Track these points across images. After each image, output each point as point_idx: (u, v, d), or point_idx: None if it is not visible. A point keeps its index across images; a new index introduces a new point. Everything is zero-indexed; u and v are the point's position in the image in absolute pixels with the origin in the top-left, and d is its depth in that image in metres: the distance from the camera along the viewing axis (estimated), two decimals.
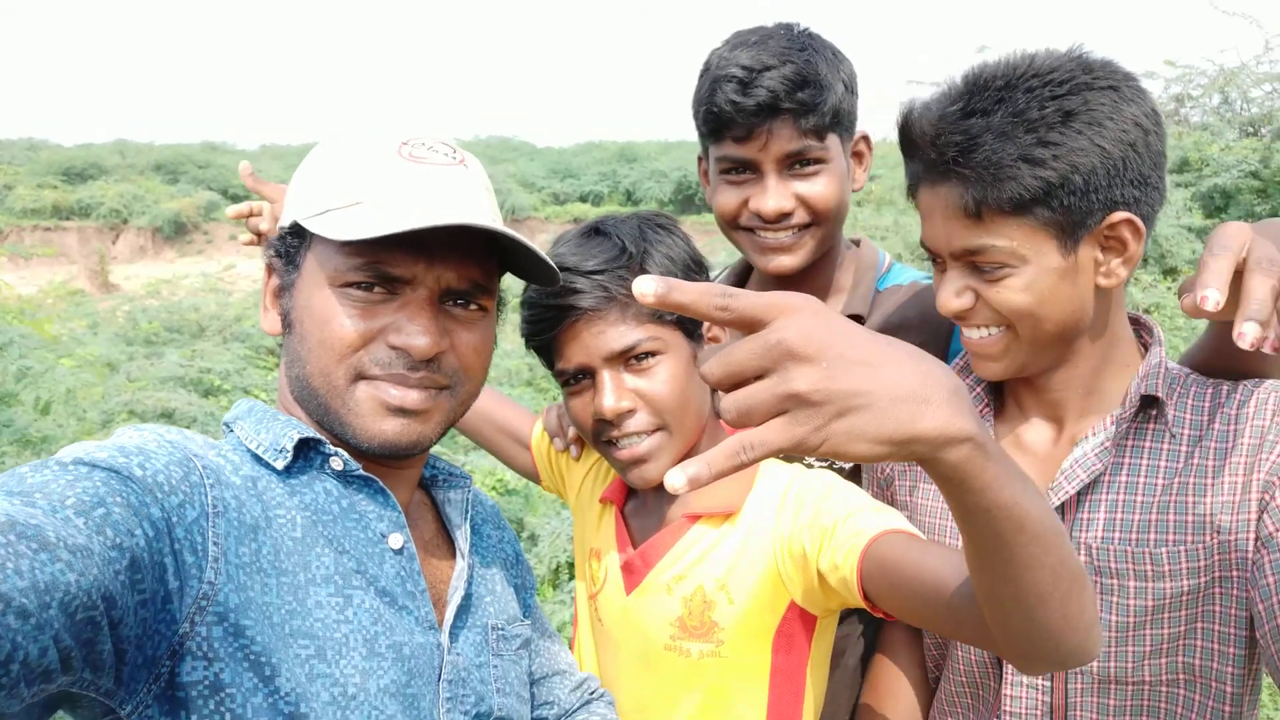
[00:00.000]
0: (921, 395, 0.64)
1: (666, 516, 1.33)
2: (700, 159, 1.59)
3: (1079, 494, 1.19)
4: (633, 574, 1.32)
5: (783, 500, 1.23)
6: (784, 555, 1.19)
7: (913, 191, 1.20)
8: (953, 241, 1.15)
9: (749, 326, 0.65)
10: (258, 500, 0.89)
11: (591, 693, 1.30)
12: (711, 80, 1.44)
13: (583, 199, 36.50)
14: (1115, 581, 1.15)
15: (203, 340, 10.44)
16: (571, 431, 1.53)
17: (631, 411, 1.22)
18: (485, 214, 0.97)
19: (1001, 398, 1.32)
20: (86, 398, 5.65)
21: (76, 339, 11.08)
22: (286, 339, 1.00)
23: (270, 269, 1.02)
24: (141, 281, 26.25)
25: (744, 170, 1.47)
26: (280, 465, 0.94)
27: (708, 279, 1.35)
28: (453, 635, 1.02)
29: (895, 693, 1.37)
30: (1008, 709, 1.23)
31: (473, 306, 1.00)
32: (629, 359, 1.22)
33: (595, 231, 1.27)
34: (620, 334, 1.20)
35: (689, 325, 1.26)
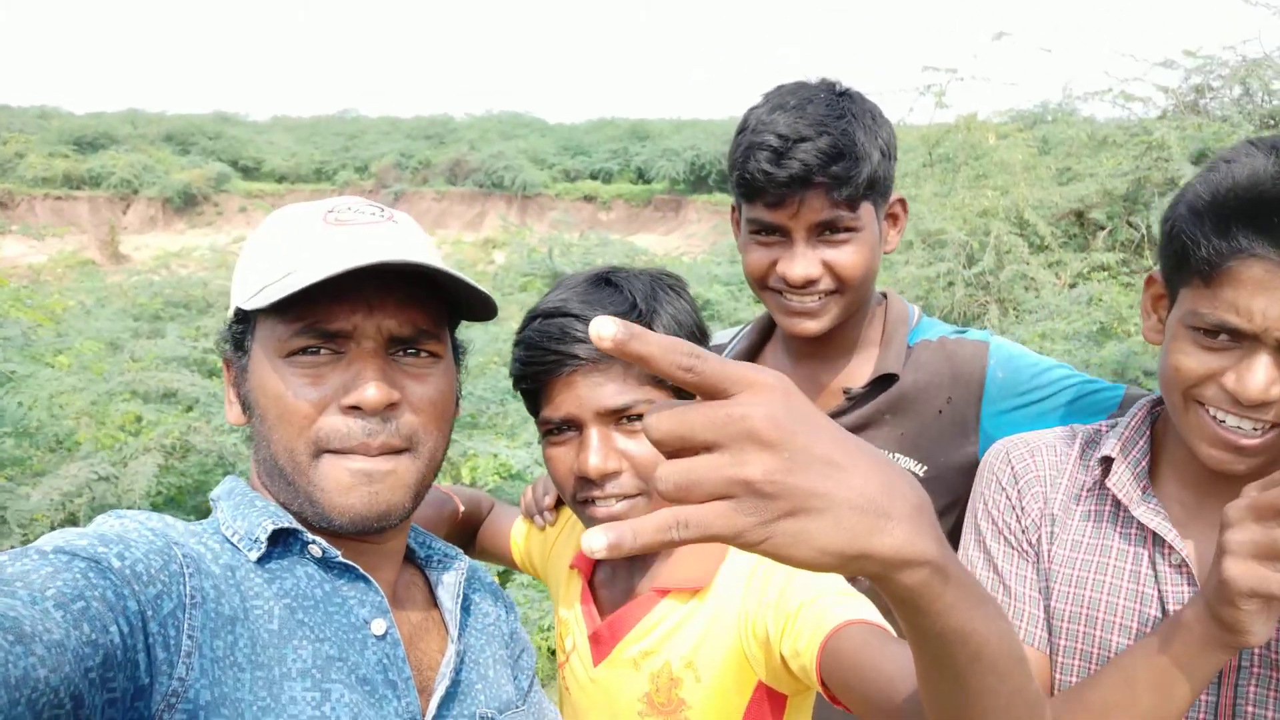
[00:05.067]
0: (883, 508, 0.57)
1: (635, 589, 1.28)
2: (733, 208, 1.58)
3: None
4: (600, 645, 1.28)
5: (750, 577, 1.18)
6: (748, 635, 1.15)
7: (1213, 266, 1.07)
8: None
9: (713, 394, 0.57)
10: (236, 590, 0.88)
11: None
12: (747, 145, 1.42)
13: (593, 176, 36.39)
14: None
15: (208, 317, 10.42)
16: (548, 499, 1.49)
17: (617, 473, 1.15)
18: (414, 255, 0.95)
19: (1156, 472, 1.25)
20: (70, 403, 5.74)
21: (85, 310, 11.12)
22: (253, 425, 0.99)
23: (228, 363, 1.02)
24: (151, 252, 26.31)
25: (774, 233, 1.46)
26: (254, 556, 0.92)
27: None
28: None
29: None
30: None
31: (424, 354, 0.98)
32: (621, 418, 1.15)
33: (606, 282, 1.22)
34: (617, 391, 1.14)
35: (689, 394, 1.20)
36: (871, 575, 0.60)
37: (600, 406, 1.14)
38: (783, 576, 1.14)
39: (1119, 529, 1.23)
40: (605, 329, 0.54)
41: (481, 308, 1.02)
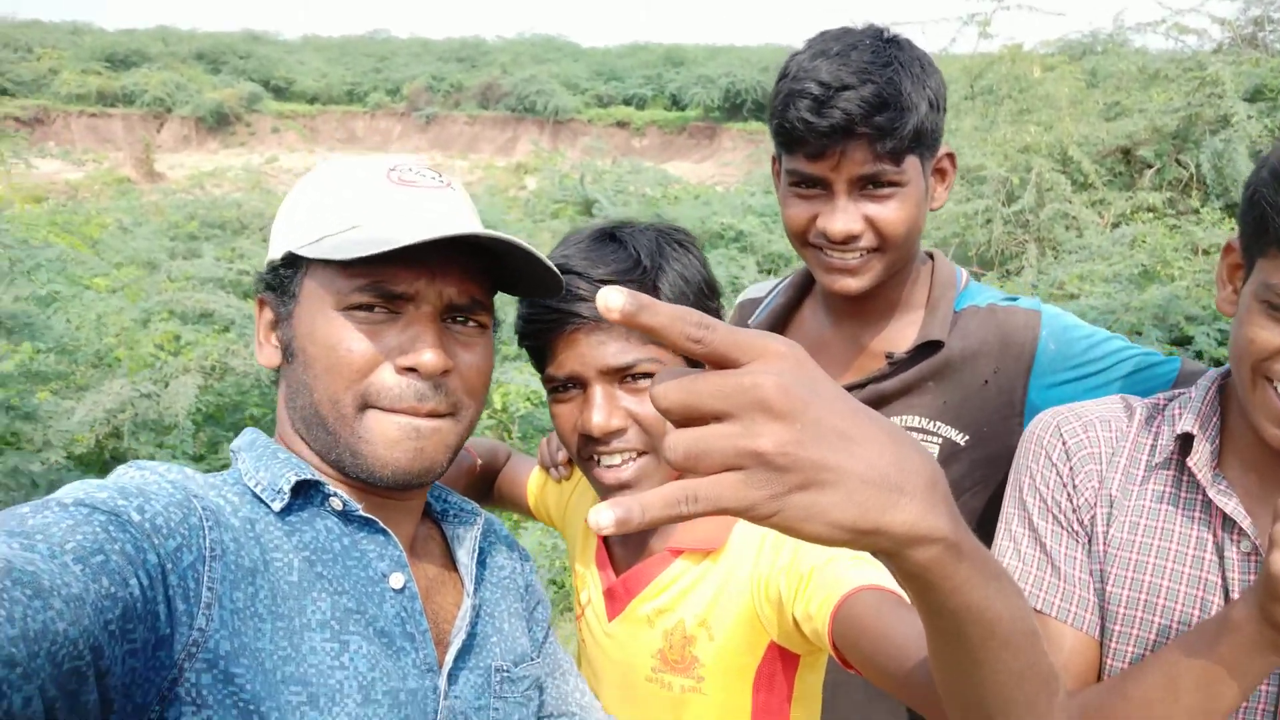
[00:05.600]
0: (896, 482, 0.56)
1: (650, 547, 1.28)
2: (774, 159, 1.53)
3: None
4: (615, 601, 1.30)
5: (763, 539, 1.19)
6: (761, 597, 1.16)
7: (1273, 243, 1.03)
8: None
9: (723, 364, 0.56)
10: (256, 543, 0.89)
11: None
12: (787, 93, 1.36)
13: (627, 102, 35.84)
14: None
15: (243, 238, 10.51)
16: (561, 454, 1.50)
17: (621, 431, 1.15)
18: (480, 227, 0.98)
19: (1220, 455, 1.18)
20: (114, 323, 5.83)
21: (122, 228, 11.23)
22: (287, 370, 1.00)
23: (263, 303, 1.02)
24: (185, 171, 26.42)
25: (814, 186, 1.41)
26: (277, 507, 0.93)
27: (718, 306, 1.29)
28: (452, 677, 1.00)
29: None
30: None
31: (472, 324, 1.01)
32: (625, 376, 1.15)
33: (610, 238, 1.20)
34: (621, 349, 1.14)
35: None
36: (883, 551, 0.59)
37: (604, 365, 1.14)
38: (796, 539, 1.15)
39: (1182, 511, 1.16)
40: (613, 300, 0.53)
41: (543, 283, 1.03)
